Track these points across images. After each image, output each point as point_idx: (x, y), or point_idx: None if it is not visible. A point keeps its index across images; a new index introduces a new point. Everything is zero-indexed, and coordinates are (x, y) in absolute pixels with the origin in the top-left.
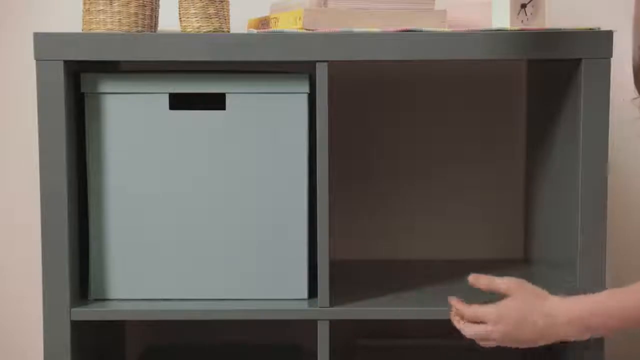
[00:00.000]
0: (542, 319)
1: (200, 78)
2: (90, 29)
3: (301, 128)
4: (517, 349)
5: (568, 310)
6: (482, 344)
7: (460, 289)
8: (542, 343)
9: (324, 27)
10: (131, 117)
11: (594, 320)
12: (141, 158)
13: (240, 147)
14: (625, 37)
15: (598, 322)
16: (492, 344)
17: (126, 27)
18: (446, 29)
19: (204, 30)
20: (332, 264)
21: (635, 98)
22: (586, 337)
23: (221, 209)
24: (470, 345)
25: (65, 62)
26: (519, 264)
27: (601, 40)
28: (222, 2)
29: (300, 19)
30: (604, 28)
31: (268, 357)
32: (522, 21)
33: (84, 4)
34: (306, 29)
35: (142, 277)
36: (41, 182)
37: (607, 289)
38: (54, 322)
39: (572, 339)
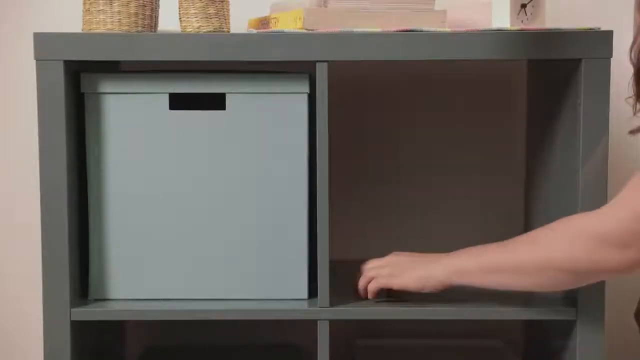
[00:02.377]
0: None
1: (200, 78)
2: (90, 29)
3: (301, 128)
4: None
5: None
6: (369, 274)
7: (460, 289)
8: (417, 266)
9: (324, 27)
10: (131, 117)
11: (459, 255)
12: (141, 158)
13: (240, 147)
14: (625, 37)
15: (462, 257)
16: (376, 272)
17: (126, 27)
18: (446, 29)
19: (204, 30)
20: (332, 264)
21: (628, 97)
22: (444, 269)
23: (221, 209)
24: (471, 345)
25: (65, 62)
26: None
27: (601, 40)
28: (222, 2)
29: (300, 19)
30: (604, 28)
31: (268, 357)
32: (522, 21)
33: (84, 4)
34: (306, 29)
35: (142, 277)
36: (41, 182)
37: (605, 288)
38: (54, 322)
39: (434, 267)
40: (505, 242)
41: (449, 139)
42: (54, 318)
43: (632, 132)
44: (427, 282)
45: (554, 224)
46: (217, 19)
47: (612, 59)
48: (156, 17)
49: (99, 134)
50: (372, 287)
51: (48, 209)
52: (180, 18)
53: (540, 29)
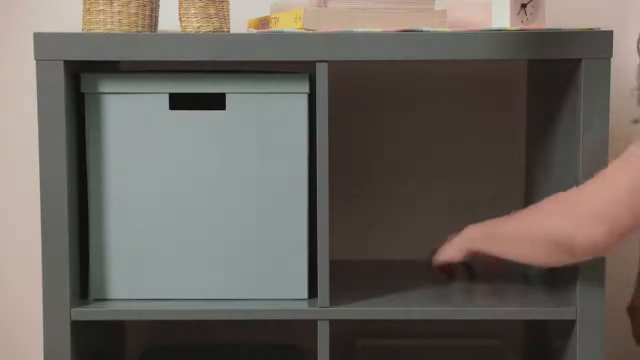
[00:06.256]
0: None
1: (200, 78)
2: (90, 29)
3: (301, 128)
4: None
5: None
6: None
7: (460, 289)
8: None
9: (324, 27)
10: (131, 117)
11: (485, 223)
12: (141, 158)
13: (240, 147)
14: (626, 37)
15: (483, 225)
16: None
17: (126, 27)
18: (446, 29)
19: (204, 30)
20: (332, 264)
21: (635, 89)
22: (472, 235)
23: (221, 209)
24: (471, 345)
25: (65, 62)
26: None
27: (601, 40)
28: (222, 2)
29: (300, 19)
30: (604, 28)
31: (268, 357)
32: (522, 21)
33: (84, 4)
34: (306, 29)
35: (142, 277)
36: (41, 183)
37: (605, 288)
38: (54, 322)
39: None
40: (522, 211)
41: (449, 139)
42: (54, 318)
43: (636, 121)
44: (448, 250)
45: (560, 195)
46: (217, 19)
47: (612, 59)
48: (156, 17)
49: (99, 134)
50: (434, 267)
51: (48, 209)
52: (180, 18)
53: (540, 29)
